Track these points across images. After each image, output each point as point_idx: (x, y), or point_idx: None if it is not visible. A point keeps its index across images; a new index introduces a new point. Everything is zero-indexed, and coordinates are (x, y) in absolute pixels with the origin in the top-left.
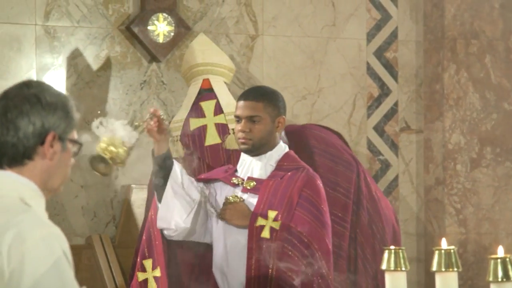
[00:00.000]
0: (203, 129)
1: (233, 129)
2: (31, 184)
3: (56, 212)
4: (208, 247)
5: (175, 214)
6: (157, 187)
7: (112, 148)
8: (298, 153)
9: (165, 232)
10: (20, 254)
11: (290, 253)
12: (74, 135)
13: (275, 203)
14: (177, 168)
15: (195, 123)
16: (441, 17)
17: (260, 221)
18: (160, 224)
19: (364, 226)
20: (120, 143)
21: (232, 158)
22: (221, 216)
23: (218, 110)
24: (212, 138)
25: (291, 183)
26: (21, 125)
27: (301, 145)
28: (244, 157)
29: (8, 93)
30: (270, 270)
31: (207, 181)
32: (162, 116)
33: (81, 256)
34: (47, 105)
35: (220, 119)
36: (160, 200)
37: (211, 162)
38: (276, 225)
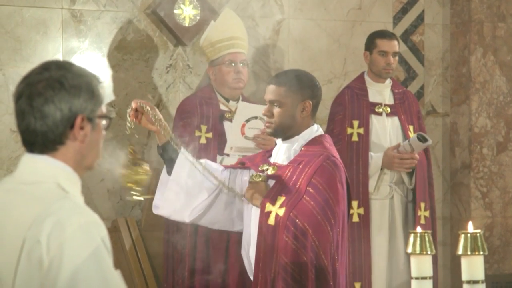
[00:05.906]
0: None
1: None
2: (67, 168)
3: (82, 195)
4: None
5: (177, 208)
6: (163, 179)
7: (134, 178)
8: None
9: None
10: (59, 242)
11: (289, 241)
12: (103, 110)
13: (285, 190)
14: (181, 162)
15: None
16: (468, 0)
17: (268, 207)
18: (158, 212)
19: None
20: (144, 171)
21: None
22: (245, 195)
23: None
24: None
25: (305, 169)
26: (49, 112)
27: None
28: (278, 140)
29: (29, 78)
30: (274, 258)
31: (244, 168)
32: (146, 107)
33: None
34: (71, 88)
35: None
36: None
37: None
38: (280, 212)
